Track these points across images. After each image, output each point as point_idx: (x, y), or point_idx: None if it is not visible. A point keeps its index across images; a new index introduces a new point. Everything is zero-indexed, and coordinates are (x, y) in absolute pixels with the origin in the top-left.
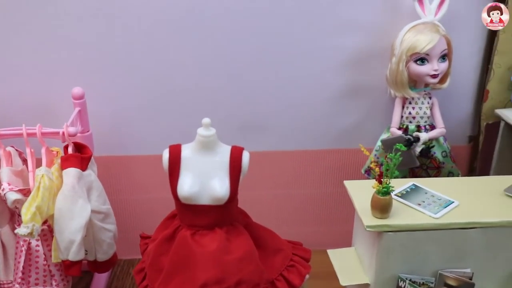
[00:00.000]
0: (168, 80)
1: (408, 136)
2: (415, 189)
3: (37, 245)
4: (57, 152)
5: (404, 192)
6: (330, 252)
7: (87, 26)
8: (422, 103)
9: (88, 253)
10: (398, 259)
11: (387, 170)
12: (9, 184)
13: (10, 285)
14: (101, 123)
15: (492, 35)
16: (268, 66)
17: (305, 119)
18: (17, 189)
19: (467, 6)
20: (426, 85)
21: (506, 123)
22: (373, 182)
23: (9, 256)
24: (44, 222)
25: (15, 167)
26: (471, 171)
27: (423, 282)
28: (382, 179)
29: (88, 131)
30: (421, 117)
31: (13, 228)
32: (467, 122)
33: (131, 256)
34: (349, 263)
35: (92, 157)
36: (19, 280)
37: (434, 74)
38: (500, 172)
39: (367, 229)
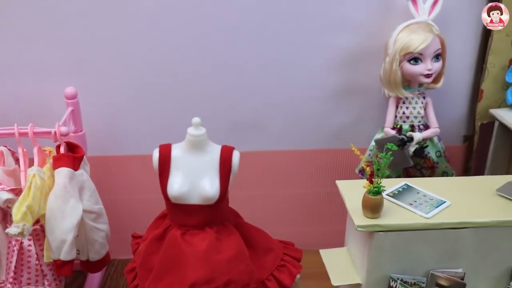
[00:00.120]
0: (161, 80)
1: (402, 136)
2: (407, 189)
3: (29, 245)
4: (50, 151)
5: (396, 192)
6: (323, 252)
7: (80, 26)
8: (416, 102)
9: (80, 253)
10: (390, 259)
11: (378, 170)
12: (0, 184)
13: (2, 284)
14: (94, 123)
15: (486, 35)
16: (261, 66)
17: (298, 118)
18: (9, 188)
19: (461, 6)
20: (420, 84)
21: (501, 123)
22: (365, 182)
23: (1, 255)
24: (37, 222)
25: (7, 167)
26: (466, 171)
27: (414, 282)
28: (373, 179)
29: (81, 131)
30: (415, 117)
31: (5, 228)
32: (461, 122)
33: (125, 256)
34: (341, 263)
35: (84, 157)
36: (11, 280)
37: (428, 74)
38: (495, 172)
39: (358, 229)
